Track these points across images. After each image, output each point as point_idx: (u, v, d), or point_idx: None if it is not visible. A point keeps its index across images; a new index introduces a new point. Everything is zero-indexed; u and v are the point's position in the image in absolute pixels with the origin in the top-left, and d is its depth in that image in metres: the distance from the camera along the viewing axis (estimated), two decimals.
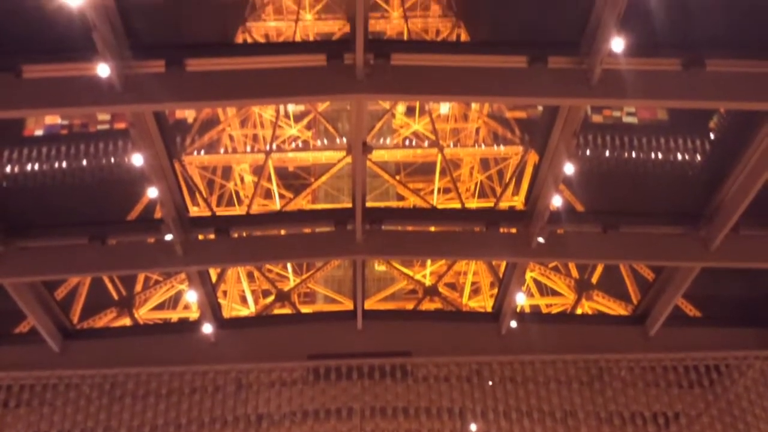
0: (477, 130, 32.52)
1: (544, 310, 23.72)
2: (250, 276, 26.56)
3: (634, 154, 14.88)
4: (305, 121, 36.38)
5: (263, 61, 11.15)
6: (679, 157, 14.42)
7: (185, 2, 14.10)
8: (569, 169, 11.95)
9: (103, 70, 9.73)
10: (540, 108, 14.66)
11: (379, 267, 31.83)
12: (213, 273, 16.64)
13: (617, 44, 9.57)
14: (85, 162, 14.77)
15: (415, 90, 11.44)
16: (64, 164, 14.64)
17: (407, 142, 33.36)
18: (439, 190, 30.82)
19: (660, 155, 14.62)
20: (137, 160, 11.62)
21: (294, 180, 36.23)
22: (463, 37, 32.19)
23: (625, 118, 15.25)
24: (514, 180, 23.16)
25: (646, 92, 10.47)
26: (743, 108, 11.09)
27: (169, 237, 13.08)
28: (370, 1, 26.32)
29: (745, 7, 10.59)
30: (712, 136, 13.91)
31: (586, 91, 10.51)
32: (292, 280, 28.94)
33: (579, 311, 18.46)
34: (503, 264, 16.00)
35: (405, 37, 37.12)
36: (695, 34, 10.46)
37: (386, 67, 11.03)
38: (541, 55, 10.74)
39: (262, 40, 34.04)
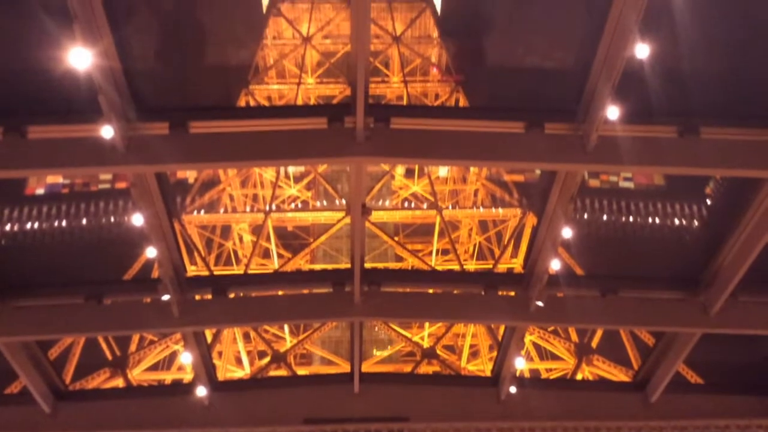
0: (475, 192, 32.78)
1: (544, 375, 23.41)
2: (246, 336, 26.31)
3: (631, 219, 14.97)
4: (305, 181, 36.68)
5: (265, 124, 11.30)
6: (677, 221, 14.51)
7: (190, 66, 14.42)
8: (567, 233, 12.00)
9: (107, 132, 9.86)
10: (538, 172, 14.82)
11: (378, 331, 31.63)
12: (209, 333, 16.49)
13: (612, 112, 9.76)
14: (84, 221, 14.85)
15: (414, 153, 11.57)
16: (63, 223, 14.71)
17: (406, 204, 33.53)
18: (437, 251, 30.84)
19: (657, 220, 14.71)
20: (137, 220, 11.66)
21: (293, 240, 36.30)
22: (462, 101, 32.81)
23: (622, 183, 15.41)
24: (512, 242, 23.22)
25: (641, 159, 10.61)
26: (737, 175, 11.21)
27: (165, 297, 13.01)
28: (370, 67, 26.89)
29: (737, 76, 10.84)
30: (708, 201, 14.03)
31: (583, 157, 10.65)
32: (289, 341, 28.64)
33: (579, 376, 18.23)
34: (502, 327, 15.88)
35: (405, 101, 37.82)
36: (689, 103, 10.66)
37: (386, 131, 11.21)
38: (538, 121, 10.93)
39: (264, 102, 34.71)
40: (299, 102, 35.77)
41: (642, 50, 8.96)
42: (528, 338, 20.97)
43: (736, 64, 10.78)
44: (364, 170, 12.81)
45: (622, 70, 9.60)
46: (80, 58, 8.81)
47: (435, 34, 38.99)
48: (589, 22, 10.00)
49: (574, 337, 20.12)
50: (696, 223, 14.24)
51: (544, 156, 11.01)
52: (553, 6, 12.33)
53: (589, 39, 9.88)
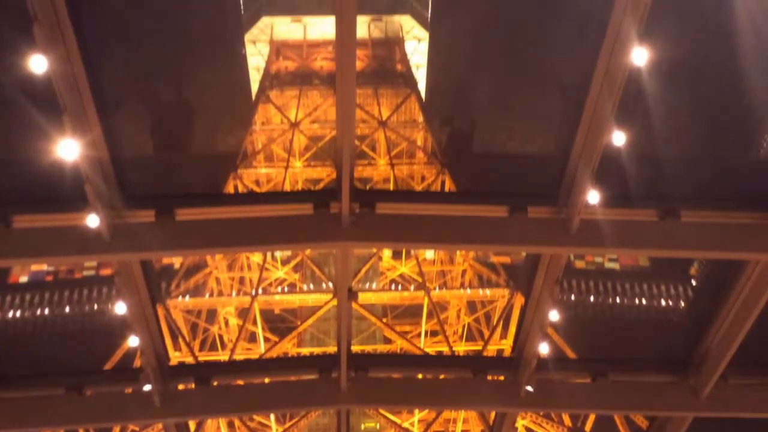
0: (463, 273, 32.79)
1: None
2: (231, 425, 25.59)
3: (618, 300, 14.99)
4: (292, 263, 36.62)
5: (251, 210, 11.37)
6: (663, 303, 14.53)
7: (179, 153, 14.61)
8: (554, 316, 11.97)
9: (92, 220, 9.87)
10: (524, 254, 14.88)
11: (368, 425, 30.82)
12: (192, 422, 16.01)
13: (593, 196, 9.93)
14: (67, 309, 14.66)
15: (400, 238, 11.63)
16: (46, 311, 14.51)
17: (394, 286, 33.42)
18: (426, 332, 30.56)
19: (644, 301, 14.73)
20: (120, 308, 11.52)
21: (280, 323, 35.90)
22: (448, 183, 33.26)
23: (608, 263, 15.52)
24: (501, 323, 23.05)
25: (623, 242, 10.72)
26: (719, 257, 11.33)
27: (147, 387, 12.71)
28: (357, 150, 27.24)
29: (712, 161, 11.13)
30: (693, 282, 14.10)
31: (566, 240, 10.74)
32: (275, 430, 27.87)
33: None
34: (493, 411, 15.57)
35: (392, 183, 38.26)
36: (669, 186, 10.88)
37: (371, 216, 11.29)
38: (521, 205, 11.06)
39: (252, 186, 35.05)
40: (287, 185, 36.13)
41: (618, 138, 9.21)
42: (520, 422, 20.54)
43: (709, 149, 11.07)
44: (350, 255, 12.83)
45: (600, 155, 9.83)
46: (69, 149, 8.91)
47: (420, 118, 39.92)
48: (566, 110, 10.31)
49: (567, 421, 19.74)
50: (682, 303, 14.28)
51: (528, 239, 11.09)
52: (532, 94, 12.74)
53: (568, 126, 10.16)
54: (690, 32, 9.95)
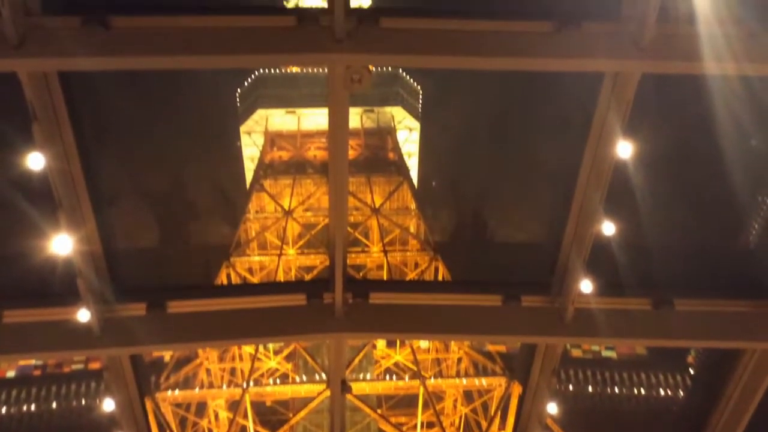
0: (459, 361, 32.29)
1: None
2: None
3: (617, 390, 14.74)
4: (285, 352, 36.01)
5: (244, 302, 11.30)
6: (662, 392, 14.29)
7: (172, 245, 14.65)
8: (552, 408, 11.75)
9: (83, 315, 9.79)
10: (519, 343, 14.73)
11: None
12: None
13: (586, 286, 9.95)
14: (55, 404, 14.28)
15: (394, 328, 11.54)
16: (33, 407, 14.12)
17: (388, 375, 32.83)
18: (422, 424, 29.75)
19: (643, 391, 14.48)
20: (108, 405, 11.26)
21: (271, 415, 34.93)
22: (441, 270, 33.27)
23: (605, 352, 15.36)
24: (499, 413, 22.52)
25: (618, 331, 10.67)
26: (715, 346, 11.26)
27: None
28: (349, 238, 27.28)
29: (702, 250, 11.23)
30: (691, 371, 13.92)
31: (561, 330, 10.68)
32: None
33: None
34: None
35: (385, 270, 38.22)
36: (661, 275, 10.92)
37: (364, 306, 11.24)
38: (514, 294, 11.05)
39: (245, 274, 34.96)
40: (280, 272, 36.06)
41: (608, 228, 9.33)
42: None
43: (699, 237, 11.20)
44: (343, 345, 12.68)
45: (591, 244, 9.92)
46: (62, 244, 8.94)
47: (413, 205, 40.36)
48: (556, 199, 10.48)
49: None
50: (681, 393, 14.03)
51: (523, 329, 11.03)
52: (522, 183, 12.97)
53: (558, 215, 10.30)
54: (673, 124, 10.28)
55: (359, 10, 8.57)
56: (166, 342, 11.16)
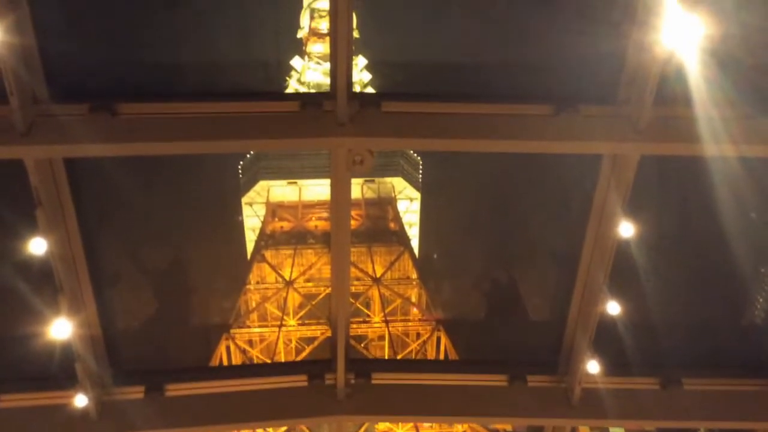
0: None
1: None
2: None
3: None
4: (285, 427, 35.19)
5: (244, 384, 11.12)
6: None
7: (172, 323, 14.53)
8: None
9: (80, 400, 9.61)
10: None
11: None
12: None
13: (593, 366, 9.80)
14: None
15: (397, 410, 11.31)
16: None
17: None
18: None
19: None
20: None
21: None
22: (443, 340, 32.90)
23: (613, 429, 14.99)
24: None
25: (626, 412, 10.45)
26: (725, 427, 11.01)
27: None
28: (351, 308, 27.13)
29: (709, 327, 11.11)
30: None
31: (568, 411, 10.46)
32: None
33: None
34: None
35: (386, 341, 37.80)
36: (669, 353, 10.76)
37: (367, 387, 11.05)
38: (520, 374, 10.87)
39: (245, 346, 34.56)
40: (280, 345, 35.64)
41: (613, 307, 9.25)
42: None
43: (704, 315, 11.11)
44: (345, 428, 12.40)
45: (597, 323, 9.82)
46: (62, 328, 8.86)
47: (414, 275, 40.24)
48: (560, 278, 10.43)
49: None
50: None
51: (530, 410, 10.79)
52: (526, 260, 12.95)
53: (562, 294, 10.24)
54: (674, 201, 10.33)
55: (362, 95, 8.75)
56: (164, 427, 10.86)
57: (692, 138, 8.06)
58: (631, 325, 9.87)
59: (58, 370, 9.90)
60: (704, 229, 10.40)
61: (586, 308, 9.77)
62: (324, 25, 43.64)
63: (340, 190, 9.20)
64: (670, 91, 8.10)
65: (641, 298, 9.97)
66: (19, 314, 9.78)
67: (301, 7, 46.32)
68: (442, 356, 33.13)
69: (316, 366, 12.13)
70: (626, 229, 8.67)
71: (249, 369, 18.90)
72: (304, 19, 46.59)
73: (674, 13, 6.89)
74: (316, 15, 45.51)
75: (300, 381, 11.08)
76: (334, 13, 7.73)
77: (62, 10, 8.66)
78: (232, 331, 33.51)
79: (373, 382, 11.12)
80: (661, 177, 9.45)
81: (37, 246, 8.36)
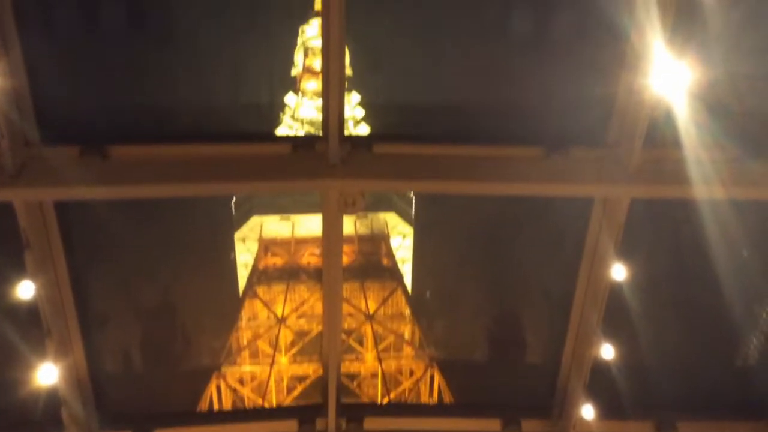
0: None
1: None
2: None
3: None
4: None
5: (233, 429, 10.96)
6: None
7: (161, 364, 14.30)
8: None
9: None
10: None
11: None
12: None
13: (587, 411, 9.69)
14: None
15: None
16: None
17: None
18: None
19: None
20: None
21: None
22: (437, 378, 32.58)
23: None
24: None
25: None
26: None
27: None
28: (343, 346, 26.83)
29: (705, 369, 11.03)
30: None
31: None
32: None
33: None
34: None
35: (379, 378, 37.41)
36: (664, 396, 10.66)
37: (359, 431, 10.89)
38: (514, 418, 10.71)
39: (236, 385, 34.09)
40: (272, 383, 35.22)
41: (607, 351, 9.18)
42: None
43: (699, 358, 11.05)
44: None
45: (591, 366, 9.73)
46: (48, 373, 8.71)
47: (407, 311, 40.01)
48: (553, 320, 10.37)
49: None
50: None
51: None
52: (518, 301, 12.90)
53: (555, 337, 10.16)
54: (666, 243, 10.34)
55: (353, 138, 8.77)
56: None
57: (682, 181, 8.09)
58: (625, 367, 9.79)
59: (43, 415, 9.72)
60: (696, 270, 10.40)
61: (579, 351, 9.69)
62: (318, 62, 44.09)
63: (332, 231, 9.18)
64: (659, 134, 8.16)
65: (634, 340, 9.91)
66: (4, 359, 9.62)
67: (295, 45, 46.90)
68: (435, 395, 32.78)
69: (306, 411, 11.95)
70: (619, 272, 8.65)
71: (238, 414, 18.71)
72: (298, 57, 47.10)
73: (663, 59, 6.97)
74: (309, 53, 46.03)
75: (290, 427, 10.89)
76: (326, 59, 7.80)
77: (55, 52, 8.72)
78: (223, 369, 33.12)
79: (365, 427, 10.95)
80: (653, 219, 9.46)
81: (25, 289, 8.26)
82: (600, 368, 9.77)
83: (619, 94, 8.09)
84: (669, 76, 6.96)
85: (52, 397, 9.45)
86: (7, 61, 7.35)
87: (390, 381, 38.50)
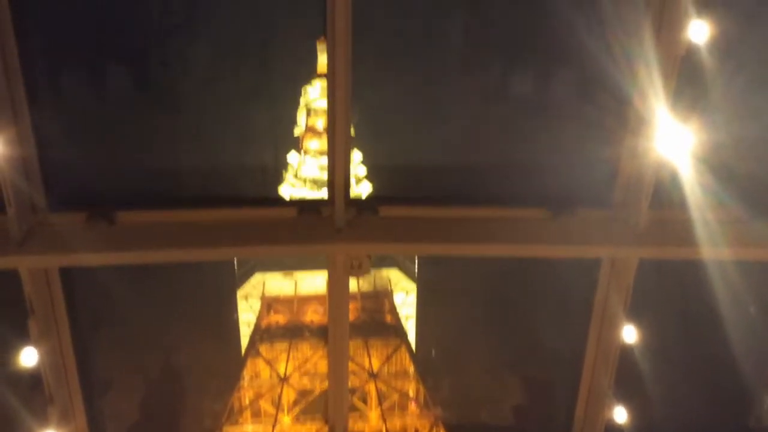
0: None
1: None
2: None
3: None
4: None
5: None
6: None
7: (162, 427, 14.08)
8: None
9: None
10: None
11: None
12: None
13: None
14: None
15: None
16: None
17: None
18: None
19: None
20: None
21: None
22: None
23: None
24: None
25: None
26: None
27: None
28: (348, 404, 26.38)
29: (723, 430, 10.81)
30: None
31: None
32: None
33: None
34: None
35: None
36: None
37: None
38: None
39: None
40: None
41: (620, 413, 8.99)
42: None
43: (712, 418, 10.83)
44: None
45: (603, 430, 9.52)
46: None
47: (411, 369, 39.47)
48: (564, 383, 10.19)
49: None
50: None
51: None
52: (527, 362, 12.73)
53: (567, 400, 9.97)
54: (676, 304, 10.26)
55: (358, 201, 8.80)
56: None
57: (690, 241, 8.07)
58: (638, 429, 9.57)
59: None
60: (706, 330, 10.28)
61: (592, 414, 9.49)
62: (320, 122, 44.63)
63: (338, 293, 9.14)
64: (666, 195, 8.17)
65: (647, 401, 9.72)
66: (6, 426, 9.44)
67: (297, 105, 47.53)
68: None
69: None
70: (629, 334, 8.54)
71: None
72: (301, 118, 47.67)
73: (666, 123, 7.04)
74: (312, 113, 46.61)
75: None
76: (331, 124, 7.88)
77: (63, 119, 8.84)
78: (224, 430, 32.46)
79: None
80: (661, 279, 9.40)
81: (28, 356, 8.15)
82: (613, 430, 9.55)
83: (624, 157, 8.14)
84: (672, 140, 7.00)
85: None
86: (16, 130, 7.43)
87: None
